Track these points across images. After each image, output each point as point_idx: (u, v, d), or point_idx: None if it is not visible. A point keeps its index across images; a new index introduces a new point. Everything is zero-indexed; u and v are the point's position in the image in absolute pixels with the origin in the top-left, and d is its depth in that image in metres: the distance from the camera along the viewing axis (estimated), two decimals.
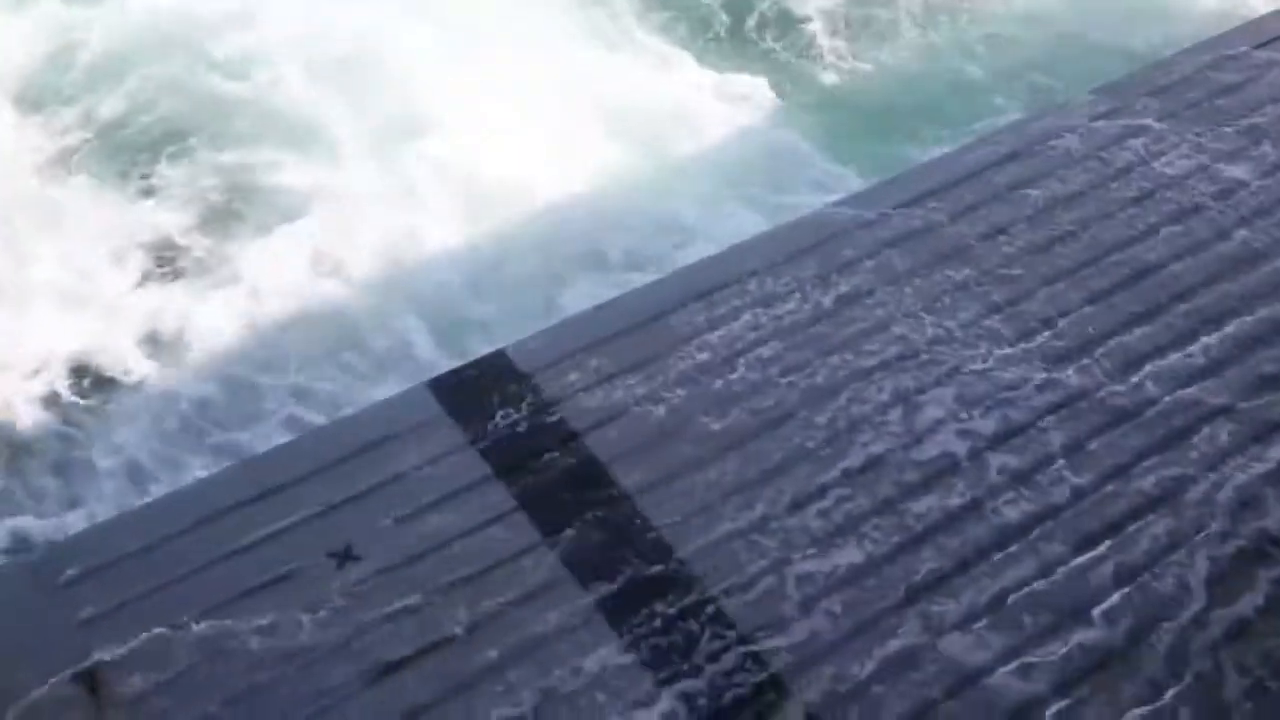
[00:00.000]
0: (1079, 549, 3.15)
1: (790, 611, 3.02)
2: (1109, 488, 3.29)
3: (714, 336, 3.69)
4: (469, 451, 3.33)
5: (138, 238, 6.08)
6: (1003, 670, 2.91)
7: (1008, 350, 3.66)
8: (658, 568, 3.09)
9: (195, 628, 2.96)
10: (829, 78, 6.49)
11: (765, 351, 3.65)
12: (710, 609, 3.00)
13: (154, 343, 5.51)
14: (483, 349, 5.13)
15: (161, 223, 6.18)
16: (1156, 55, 4.93)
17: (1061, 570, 3.11)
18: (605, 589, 3.04)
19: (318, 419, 5.05)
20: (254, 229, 6.10)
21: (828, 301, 3.81)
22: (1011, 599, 3.05)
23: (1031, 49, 6.37)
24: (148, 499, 3.88)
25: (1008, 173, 4.26)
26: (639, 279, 4.55)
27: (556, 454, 3.33)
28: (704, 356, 3.63)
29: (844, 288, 3.85)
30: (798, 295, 3.83)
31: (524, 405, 3.44)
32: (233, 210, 6.24)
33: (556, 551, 3.11)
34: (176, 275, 5.88)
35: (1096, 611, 3.02)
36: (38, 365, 5.30)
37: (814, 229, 4.10)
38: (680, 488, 3.27)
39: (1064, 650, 2.94)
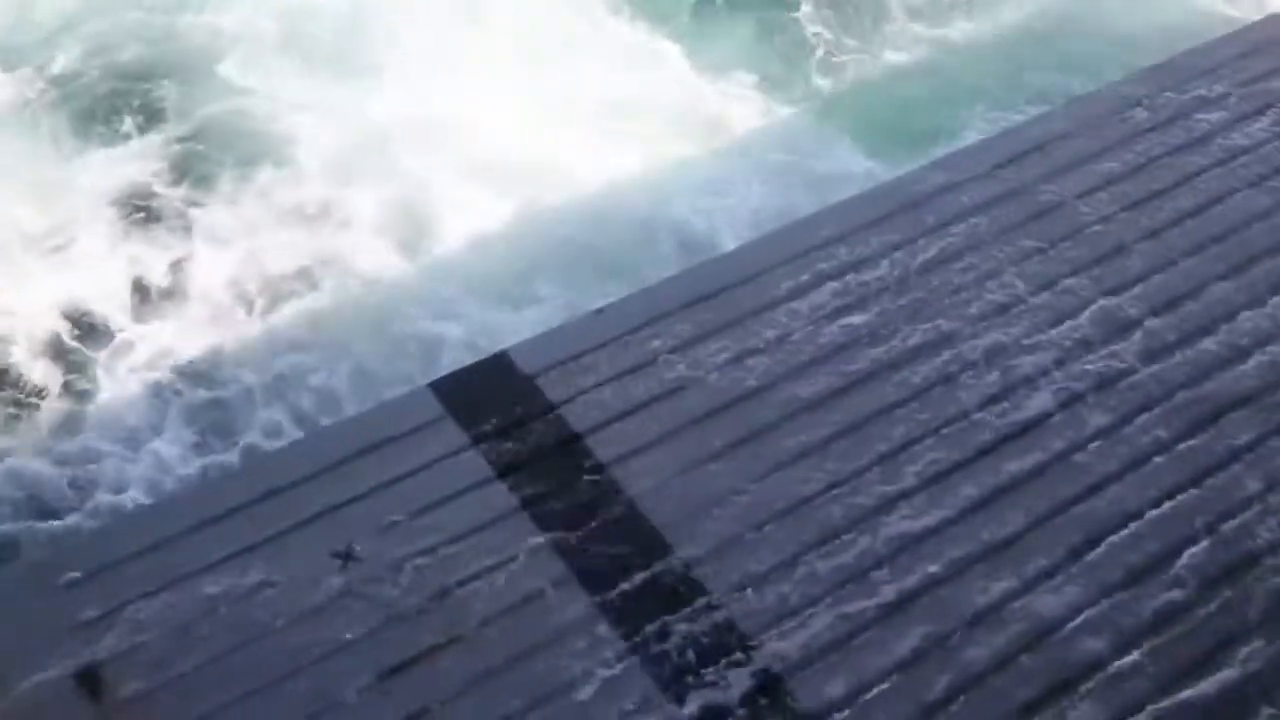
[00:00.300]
0: (1166, 503, 3.25)
1: (878, 571, 3.11)
2: (1196, 441, 3.40)
3: (798, 305, 3.77)
4: (472, 452, 3.33)
5: (118, 190, 6.00)
6: (1083, 623, 3.00)
7: (1098, 308, 3.77)
8: (663, 567, 3.11)
9: (197, 629, 2.96)
10: (825, 67, 6.49)
11: (855, 318, 3.73)
12: (720, 612, 3.04)
13: (142, 298, 5.46)
14: (479, 316, 5.19)
15: (141, 174, 6.09)
16: (1165, 47, 5.04)
17: (1147, 524, 3.20)
18: (611, 589, 3.06)
19: (307, 363, 5.06)
20: (237, 179, 6.04)
21: (916, 265, 3.90)
22: (1094, 553, 3.13)
23: (1019, 44, 6.40)
24: (148, 501, 3.85)
25: (1083, 141, 4.37)
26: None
27: (560, 455, 3.33)
28: (770, 330, 3.70)
29: (931, 252, 3.93)
30: (886, 261, 3.92)
31: (527, 406, 3.44)
32: (212, 159, 6.15)
33: (560, 552, 3.12)
34: (160, 228, 5.83)
35: (1182, 565, 3.11)
36: (22, 322, 5.24)
37: (890, 196, 4.19)
38: (689, 483, 3.28)
39: (1150, 604, 3.04)
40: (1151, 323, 3.73)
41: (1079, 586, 3.07)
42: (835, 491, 3.28)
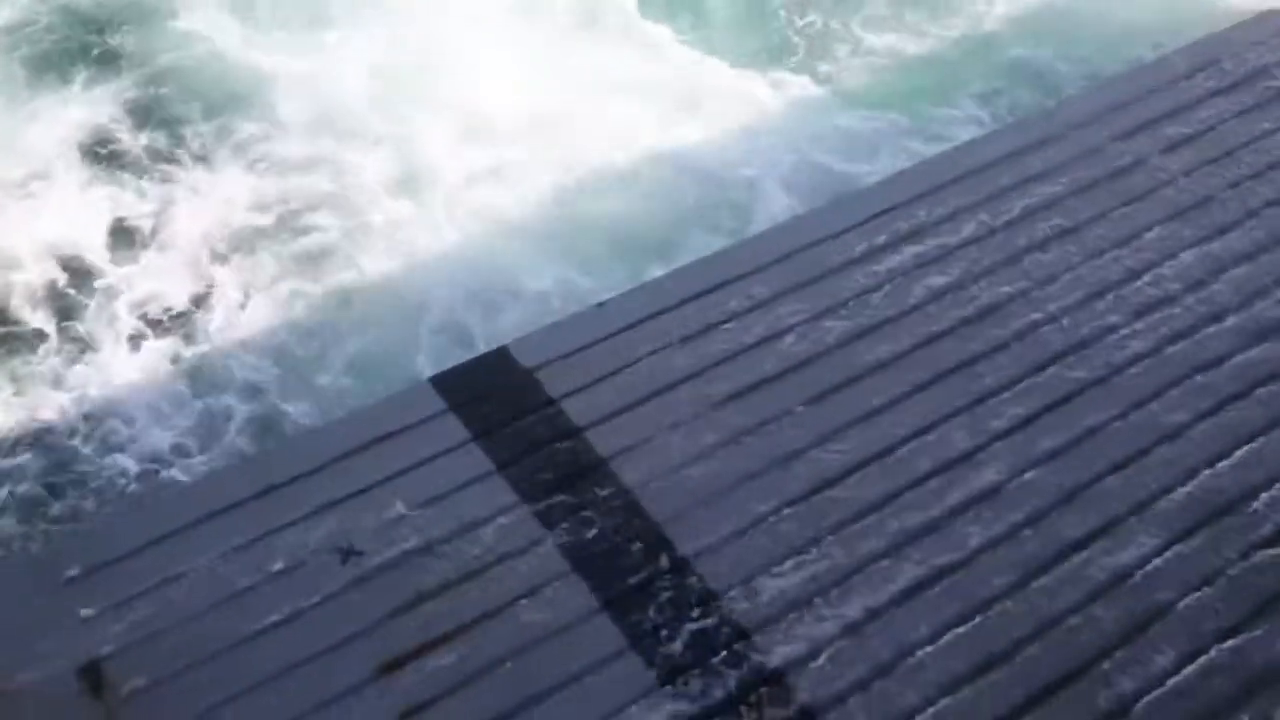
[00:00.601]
0: (1244, 448, 3.36)
1: (955, 521, 3.21)
2: (1276, 387, 3.51)
3: (877, 266, 3.86)
4: (472, 447, 3.33)
5: (83, 138, 5.88)
6: (1162, 567, 3.11)
7: (1180, 260, 3.90)
8: (662, 563, 3.13)
9: (198, 624, 2.97)
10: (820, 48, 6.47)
11: (936, 279, 3.83)
12: (709, 607, 3.07)
13: (119, 246, 5.42)
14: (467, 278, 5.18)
15: (105, 121, 5.98)
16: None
17: (1226, 469, 3.32)
18: (614, 582, 3.08)
19: (292, 316, 5.06)
20: (204, 127, 5.95)
21: (999, 224, 4.01)
22: (1164, 501, 3.25)
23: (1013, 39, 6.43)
24: (150, 497, 3.81)
25: (1152, 104, 4.49)
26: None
27: (559, 449, 3.34)
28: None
29: (1014, 211, 4.05)
30: (971, 223, 4.02)
31: (528, 401, 3.44)
32: (179, 107, 6.04)
33: (560, 547, 3.15)
34: (131, 176, 5.78)
35: (1258, 510, 3.23)
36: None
37: (962, 160, 4.29)
38: (688, 480, 3.30)
39: (1227, 549, 3.15)
40: (1235, 273, 3.85)
41: (1158, 532, 3.18)
42: (916, 444, 3.37)
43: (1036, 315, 3.72)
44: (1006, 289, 3.80)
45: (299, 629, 2.98)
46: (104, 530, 3.36)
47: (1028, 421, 3.43)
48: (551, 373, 3.51)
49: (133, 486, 4.46)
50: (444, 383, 3.49)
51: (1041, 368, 3.57)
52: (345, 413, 4.01)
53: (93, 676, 2.87)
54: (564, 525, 3.19)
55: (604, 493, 3.26)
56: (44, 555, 3.31)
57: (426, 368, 4.68)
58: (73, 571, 3.03)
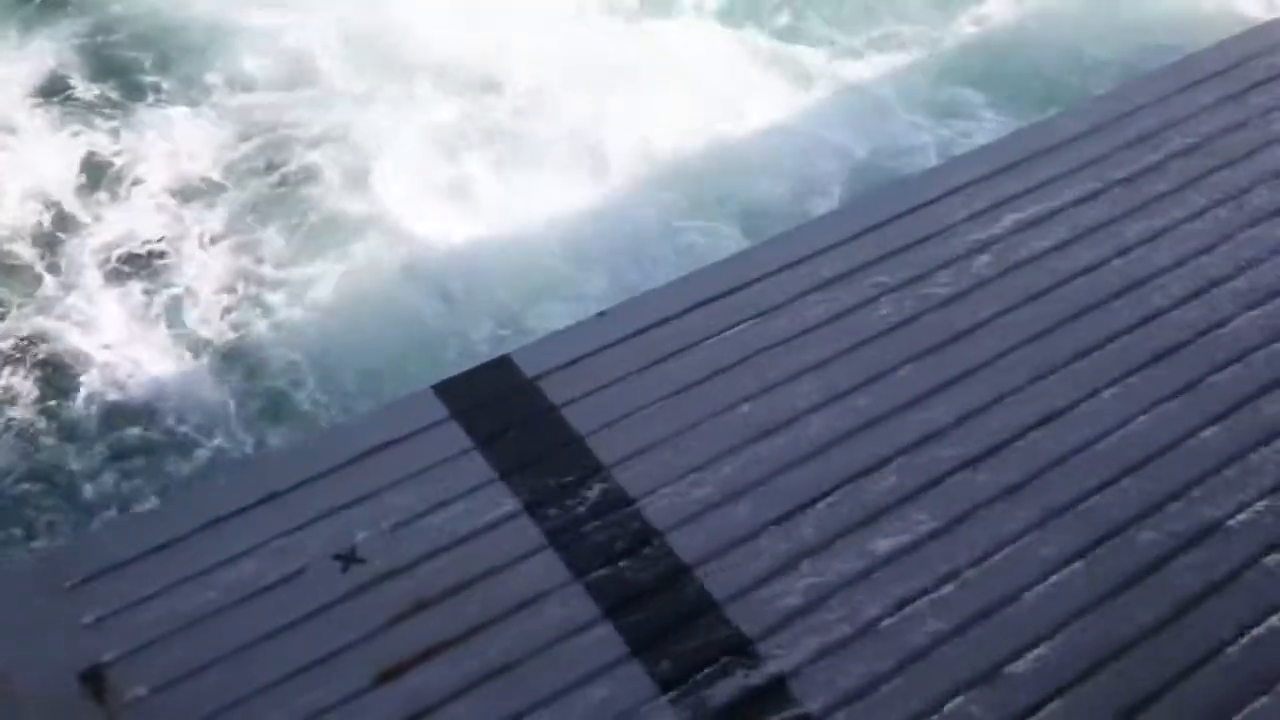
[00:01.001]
0: None
1: (1053, 477, 3.28)
2: None
3: (979, 234, 3.93)
4: (474, 455, 3.33)
5: (45, 85, 6.00)
6: (1251, 519, 3.16)
7: None
8: (665, 570, 3.11)
9: (201, 630, 2.97)
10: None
11: (1037, 243, 3.91)
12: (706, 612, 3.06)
13: (88, 189, 5.57)
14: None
15: (59, 68, 6.06)
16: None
17: None
18: (614, 591, 3.07)
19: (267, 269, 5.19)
20: (161, 76, 6.05)
21: (1102, 186, 4.09)
22: (1259, 454, 3.30)
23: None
24: (152, 504, 3.84)
25: (1245, 73, 4.57)
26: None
27: (563, 457, 3.34)
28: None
29: (1120, 172, 4.14)
30: (1067, 189, 4.10)
31: (530, 409, 3.45)
32: (133, 54, 6.16)
33: (563, 554, 3.14)
34: (91, 124, 5.84)
35: None
36: None
37: (1061, 128, 4.37)
38: (692, 487, 3.29)
39: None
40: None
41: (1258, 484, 3.23)
42: (1013, 400, 3.43)
43: (1139, 274, 3.80)
44: (1111, 245, 3.89)
45: (300, 636, 2.97)
46: (106, 536, 3.37)
47: (1129, 375, 3.50)
48: (554, 381, 3.51)
49: (130, 428, 4.63)
50: (446, 390, 3.49)
51: (1144, 323, 3.65)
52: (347, 420, 4.03)
53: (94, 683, 2.87)
54: (566, 533, 3.19)
55: (606, 501, 3.26)
56: (46, 561, 3.32)
57: (394, 306, 4.87)
58: (75, 578, 3.03)
